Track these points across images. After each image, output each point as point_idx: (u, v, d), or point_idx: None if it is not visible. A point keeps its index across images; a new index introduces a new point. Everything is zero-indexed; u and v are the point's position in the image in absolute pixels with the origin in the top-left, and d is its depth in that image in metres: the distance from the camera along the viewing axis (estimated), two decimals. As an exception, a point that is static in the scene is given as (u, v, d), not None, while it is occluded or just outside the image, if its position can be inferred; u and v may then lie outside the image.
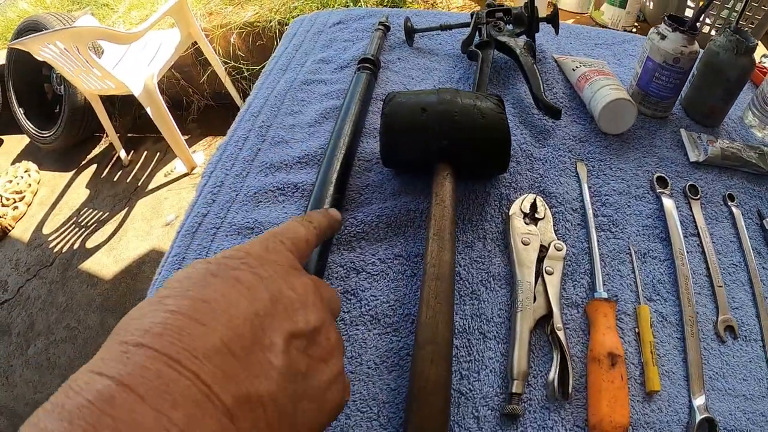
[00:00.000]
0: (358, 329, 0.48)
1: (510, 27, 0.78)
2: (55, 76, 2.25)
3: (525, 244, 0.51)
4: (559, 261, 0.52)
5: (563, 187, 0.60)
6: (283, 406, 0.24)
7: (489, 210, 0.56)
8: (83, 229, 1.93)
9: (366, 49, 0.80)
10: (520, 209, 0.55)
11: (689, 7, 1.36)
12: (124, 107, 2.19)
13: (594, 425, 0.42)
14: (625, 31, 1.73)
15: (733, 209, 0.64)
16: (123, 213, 1.95)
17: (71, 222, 1.96)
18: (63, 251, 1.87)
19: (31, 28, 2.01)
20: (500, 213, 0.56)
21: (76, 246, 1.87)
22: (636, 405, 0.45)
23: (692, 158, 0.70)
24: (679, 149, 0.71)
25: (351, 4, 1.70)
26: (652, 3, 1.49)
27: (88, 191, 2.06)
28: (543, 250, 0.52)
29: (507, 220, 0.55)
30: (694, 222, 0.62)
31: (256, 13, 1.85)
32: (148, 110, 1.74)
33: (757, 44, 0.68)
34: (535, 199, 0.56)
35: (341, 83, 0.76)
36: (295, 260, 0.31)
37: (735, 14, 1.23)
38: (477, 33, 0.80)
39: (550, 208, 0.57)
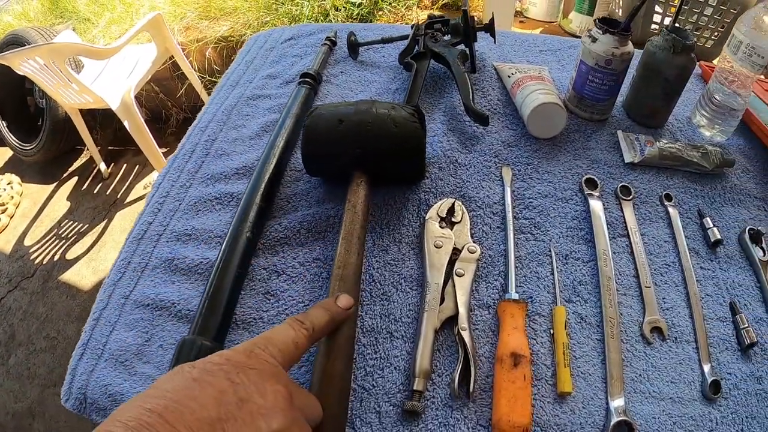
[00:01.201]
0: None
1: (448, 37, 0.81)
2: (37, 89, 2.27)
3: (437, 247, 0.54)
4: (472, 263, 0.54)
5: (485, 191, 0.62)
6: None
7: (407, 215, 0.58)
8: (63, 241, 1.95)
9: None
10: (437, 213, 0.57)
11: (657, 13, 1.38)
12: (105, 120, 2.22)
13: (494, 424, 0.43)
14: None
15: (670, 209, 0.64)
16: (102, 225, 1.98)
17: (52, 234, 1.98)
18: (44, 263, 1.89)
19: (13, 42, 2.04)
20: (418, 218, 0.59)
21: (56, 257, 1.89)
22: (546, 406, 0.46)
23: (627, 159, 0.70)
24: (615, 151, 0.71)
25: (321, 18, 1.74)
26: (621, 10, 1.50)
27: (68, 203, 2.08)
28: (456, 252, 0.54)
29: (423, 224, 0.57)
30: (625, 223, 0.62)
31: (231, 27, 1.89)
32: (126, 124, 1.77)
33: (695, 43, 0.69)
34: (453, 204, 0.58)
35: (285, 98, 0.79)
36: (275, 367, 0.34)
37: (705, 18, 1.27)
38: (417, 44, 0.83)
39: (469, 212, 0.59)
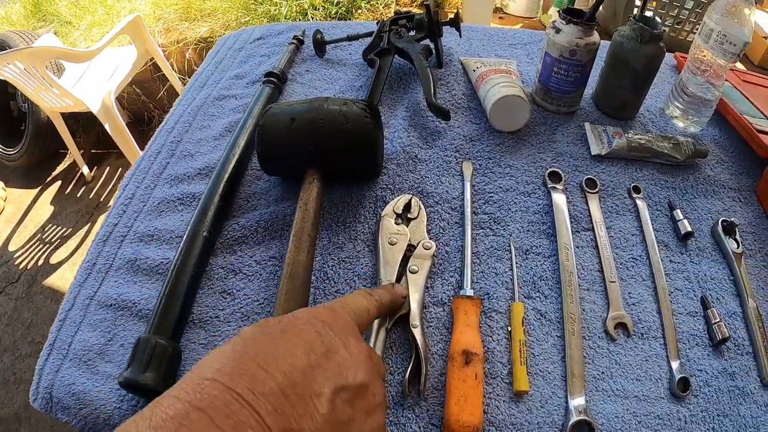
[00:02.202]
0: (230, 326, 0.51)
1: (412, 33, 0.81)
2: (19, 93, 2.26)
3: (392, 244, 0.54)
4: (427, 260, 0.53)
5: (444, 187, 0.62)
6: None
7: (363, 212, 0.58)
8: (47, 246, 1.94)
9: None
10: (393, 210, 0.57)
11: (636, 6, 1.38)
12: (88, 124, 2.21)
13: (444, 423, 0.43)
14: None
15: (638, 201, 0.63)
16: (86, 229, 1.97)
17: (36, 238, 1.97)
18: (28, 267, 1.88)
19: (-6, 46, 2.03)
20: (375, 215, 0.59)
21: (40, 262, 1.88)
22: (502, 405, 0.45)
23: (594, 151, 0.68)
24: (582, 144, 0.71)
25: (300, 18, 1.74)
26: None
27: (52, 207, 2.07)
28: (411, 249, 0.54)
29: (379, 221, 0.57)
30: (590, 216, 0.61)
31: (210, 28, 1.89)
32: (106, 126, 1.76)
33: (664, 32, 0.67)
34: (410, 200, 0.58)
35: (250, 97, 0.78)
36: (354, 326, 0.36)
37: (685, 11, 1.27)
38: (381, 41, 0.82)
39: (427, 208, 0.59)
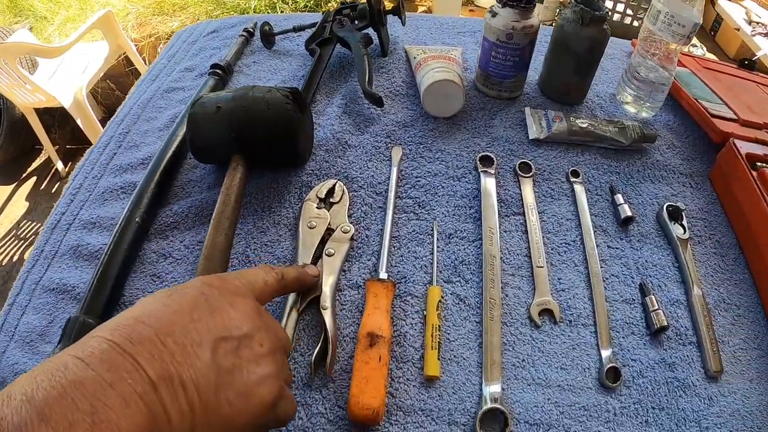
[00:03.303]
0: (156, 310, 0.53)
1: (356, 22, 0.82)
2: (-6, 90, 2.26)
3: (311, 227, 0.55)
4: (344, 243, 0.54)
5: (371, 172, 0.63)
6: (205, 392, 0.29)
7: (288, 197, 0.60)
8: (22, 242, 1.95)
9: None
10: (316, 195, 0.59)
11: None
12: (64, 119, 2.21)
13: (348, 404, 0.42)
14: (542, 25, 1.79)
15: (576, 186, 0.62)
16: (61, 223, 1.98)
17: (11, 235, 1.99)
18: (3, 264, 1.90)
19: (-32, 43, 2.03)
20: (300, 200, 0.60)
21: (15, 258, 1.90)
22: (411, 390, 0.45)
23: (532, 135, 0.68)
24: (521, 129, 0.70)
25: (269, 10, 1.75)
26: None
27: (27, 204, 2.09)
28: (330, 232, 0.55)
29: (302, 205, 0.58)
30: (522, 201, 0.60)
31: (182, 23, 1.90)
32: (79, 121, 1.78)
33: (607, 14, 0.66)
34: (334, 185, 0.60)
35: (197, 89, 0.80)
36: (245, 291, 0.37)
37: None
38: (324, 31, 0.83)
39: (351, 193, 0.60)
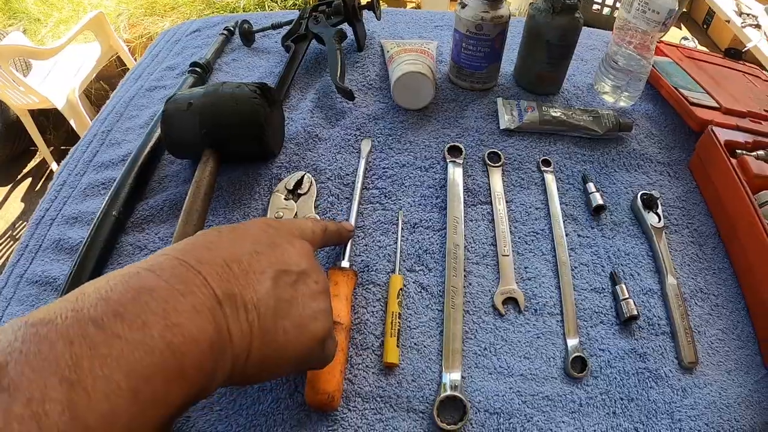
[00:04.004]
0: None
1: (331, 18, 0.83)
2: (-11, 93, 2.28)
3: (278, 218, 0.57)
4: None
5: (339, 164, 0.65)
6: (264, 316, 0.31)
7: (258, 190, 0.62)
8: (17, 243, 1.97)
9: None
10: (285, 187, 0.60)
11: None
12: (58, 120, 2.24)
13: (305, 390, 0.43)
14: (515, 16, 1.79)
15: (546, 175, 0.62)
16: (56, 223, 2.00)
17: (6, 236, 2.01)
18: (-1, 265, 1.92)
19: (-38, 46, 2.05)
20: (269, 192, 0.62)
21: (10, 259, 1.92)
22: (370, 376, 0.45)
23: (503, 125, 0.68)
24: (492, 119, 0.71)
25: (259, 9, 1.77)
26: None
27: (23, 205, 2.11)
28: None
29: (270, 197, 0.60)
30: (489, 190, 0.61)
31: (172, 23, 1.92)
32: (72, 122, 1.80)
33: (578, 2, 0.65)
34: (302, 177, 0.61)
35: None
36: (299, 234, 0.39)
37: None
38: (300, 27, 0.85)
39: (319, 184, 0.62)
